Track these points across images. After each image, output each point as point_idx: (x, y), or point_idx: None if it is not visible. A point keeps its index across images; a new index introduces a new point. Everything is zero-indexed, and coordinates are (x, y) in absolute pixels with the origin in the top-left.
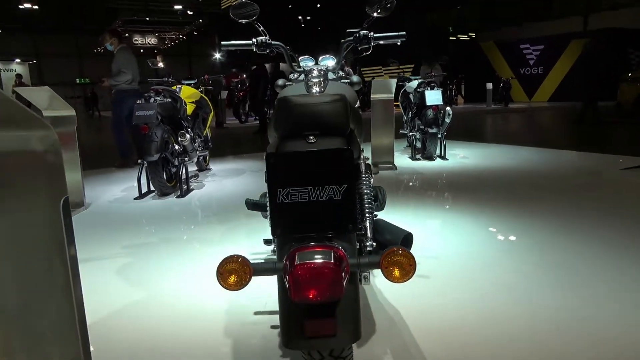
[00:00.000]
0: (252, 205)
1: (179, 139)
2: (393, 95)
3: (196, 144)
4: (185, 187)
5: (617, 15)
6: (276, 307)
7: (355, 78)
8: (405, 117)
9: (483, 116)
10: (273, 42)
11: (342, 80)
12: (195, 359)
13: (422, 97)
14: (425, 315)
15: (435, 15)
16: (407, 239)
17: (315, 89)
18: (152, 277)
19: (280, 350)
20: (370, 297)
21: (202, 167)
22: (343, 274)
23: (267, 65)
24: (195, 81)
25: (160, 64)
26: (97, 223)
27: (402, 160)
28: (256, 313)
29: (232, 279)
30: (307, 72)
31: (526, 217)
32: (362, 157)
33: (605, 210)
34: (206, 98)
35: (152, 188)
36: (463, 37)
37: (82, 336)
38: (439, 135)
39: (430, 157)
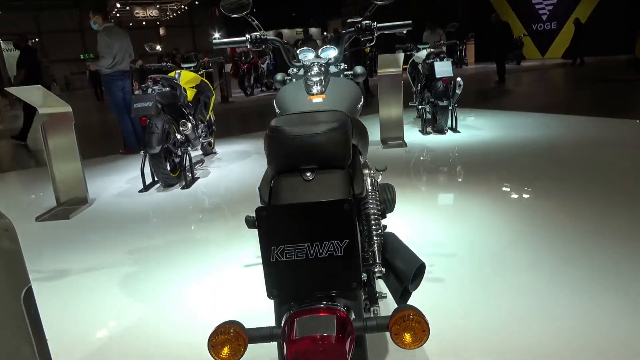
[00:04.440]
0: (253, 223)
1: (181, 128)
2: (401, 70)
3: (199, 130)
4: (190, 176)
5: None
6: None
7: (358, 69)
8: (414, 88)
9: (495, 77)
10: (269, 37)
11: (346, 72)
12: None
13: (432, 68)
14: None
15: None
16: (419, 271)
17: (316, 89)
18: (158, 286)
19: None
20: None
21: (208, 151)
22: (348, 343)
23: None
24: (195, 64)
25: (158, 47)
26: (101, 224)
27: (412, 134)
28: None
29: (226, 350)
30: (307, 68)
31: (544, 203)
32: (368, 169)
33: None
34: (207, 82)
35: (156, 178)
36: None
37: None
38: (450, 107)
39: (441, 131)
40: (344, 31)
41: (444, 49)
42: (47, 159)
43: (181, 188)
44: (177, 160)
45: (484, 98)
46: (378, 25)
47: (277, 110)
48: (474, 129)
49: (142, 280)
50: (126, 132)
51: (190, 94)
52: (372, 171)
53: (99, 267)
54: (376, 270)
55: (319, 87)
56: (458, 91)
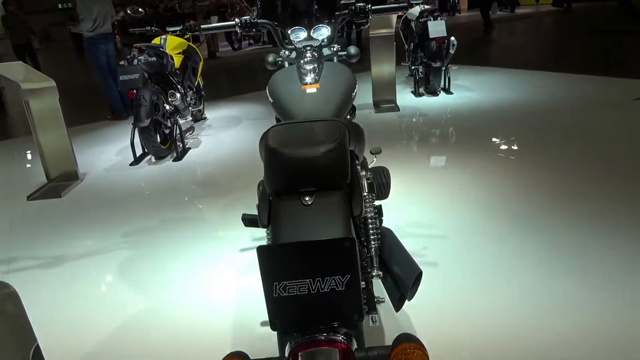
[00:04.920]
0: (250, 221)
1: (170, 99)
2: (394, 30)
3: (188, 98)
4: (181, 147)
5: None
6: None
7: (352, 50)
8: (406, 46)
9: (487, 27)
10: (259, 21)
11: (340, 53)
12: None
13: (425, 28)
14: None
15: None
16: (416, 279)
17: (309, 79)
18: (155, 275)
19: None
20: None
21: (198, 118)
22: None
23: None
24: (180, 28)
25: (141, 10)
26: (94, 202)
27: (405, 96)
28: (264, 324)
29: None
30: (299, 53)
31: (537, 172)
32: (365, 171)
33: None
34: (194, 46)
35: (147, 151)
36: None
37: None
38: (443, 68)
39: (434, 92)
40: (337, 13)
41: (437, 4)
42: (34, 136)
43: (172, 160)
44: (167, 131)
45: (476, 52)
46: (373, 7)
47: (270, 99)
48: (466, 89)
49: (140, 268)
50: (112, 98)
51: (177, 61)
52: (369, 173)
53: (95, 252)
54: (374, 274)
55: (312, 76)
56: (452, 51)
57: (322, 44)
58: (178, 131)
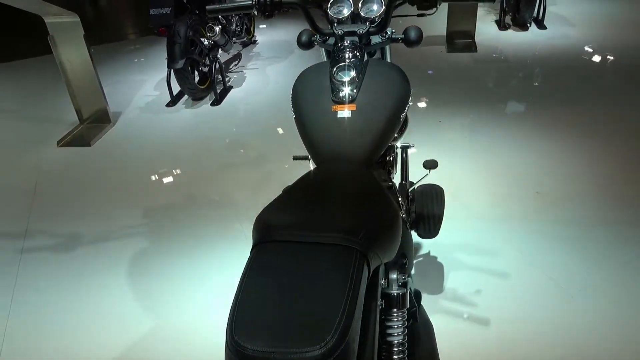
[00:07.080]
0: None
1: (208, 34)
2: None
3: (233, 26)
4: (223, 85)
5: None
6: None
7: (413, 33)
8: None
9: None
10: (284, 0)
11: (394, 37)
12: None
13: None
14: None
15: None
16: None
17: (343, 93)
18: (171, 269)
19: None
20: None
21: (247, 42)
22: None
23: None
24: None
25: None
26: (121, 156)
27: (486, 27)
28: None
29: None
30: (339, 46)
31: None
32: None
33: None
34: None
35: (183, 91)
36: None
37: None
38: None
39: (523, 25)
40: None
41: None
42: (62, 74)
43: (211, 104)
44: (205, 69)
45: None
46: None
47: (294, 114)
48: (564, 23)
49: (155, 263)
50: None
51: None
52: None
53: (110, 234)
54: None
55: (348, 91)
56: None
57: (371, 29)
58: (218, 69)
